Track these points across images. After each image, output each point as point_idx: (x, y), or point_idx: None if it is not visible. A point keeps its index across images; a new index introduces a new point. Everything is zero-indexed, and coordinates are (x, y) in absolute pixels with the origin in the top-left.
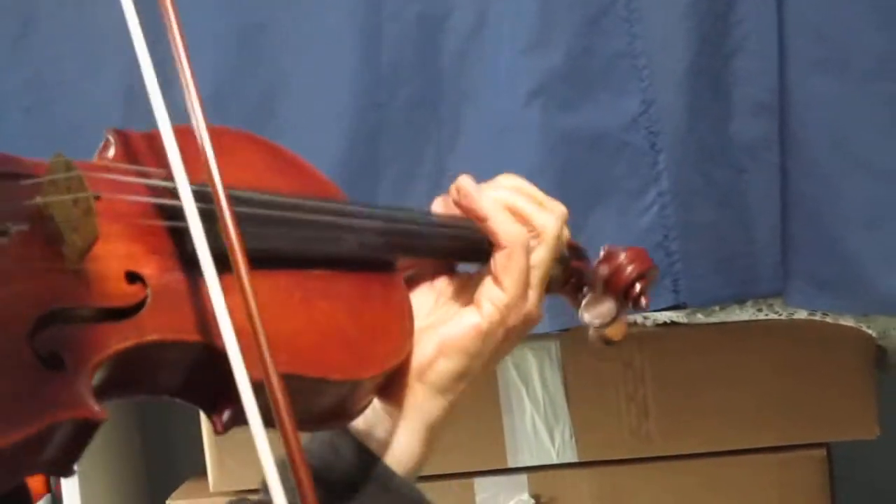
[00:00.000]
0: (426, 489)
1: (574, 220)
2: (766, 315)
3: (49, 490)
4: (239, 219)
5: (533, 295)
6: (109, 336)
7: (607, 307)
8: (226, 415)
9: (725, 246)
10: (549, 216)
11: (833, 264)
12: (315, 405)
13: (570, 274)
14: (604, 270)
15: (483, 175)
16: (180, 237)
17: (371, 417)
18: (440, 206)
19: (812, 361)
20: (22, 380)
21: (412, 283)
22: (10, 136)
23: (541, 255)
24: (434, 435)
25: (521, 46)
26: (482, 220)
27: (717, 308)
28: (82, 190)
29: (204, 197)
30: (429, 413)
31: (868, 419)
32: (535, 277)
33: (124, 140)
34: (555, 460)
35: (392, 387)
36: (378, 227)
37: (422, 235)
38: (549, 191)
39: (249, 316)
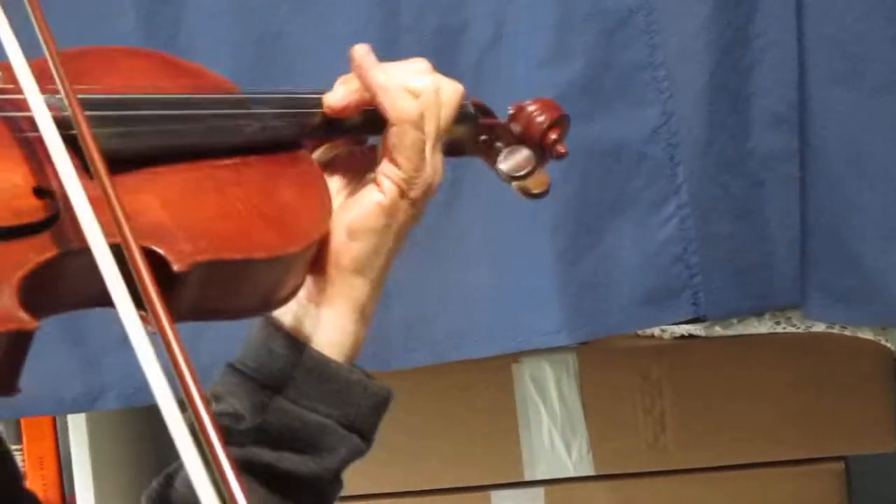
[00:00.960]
0: (442, 501)
1: (592, 232)
2: (785, 328)
3: (64, 501)
4: (111, 120)
5: (430, 165)
6: (28, 251)
7: (524, 154)
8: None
9: (744, 258)
10: (427, 80)
11: (851, 276)
12: (247, 290)
13: (479, 131)
14: (516, 127)
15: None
16: (77, 147)
17: (298, 312)
18: (341, 82)
19: (830, 374)
20: None
21: (327, 164)
22: None
23: (429, 128)
24: (365, 314)
25: (539, 59)
26: (373, 93)
27: (735, 321)
28: None
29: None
30: (354, 295)
31: (886, 432)
32: (429, 148)
33: (8, 69)
34: (572, 473)
35: (314, 278)
36: (276, 112)
37: (319, 114)
38: (567, 203)
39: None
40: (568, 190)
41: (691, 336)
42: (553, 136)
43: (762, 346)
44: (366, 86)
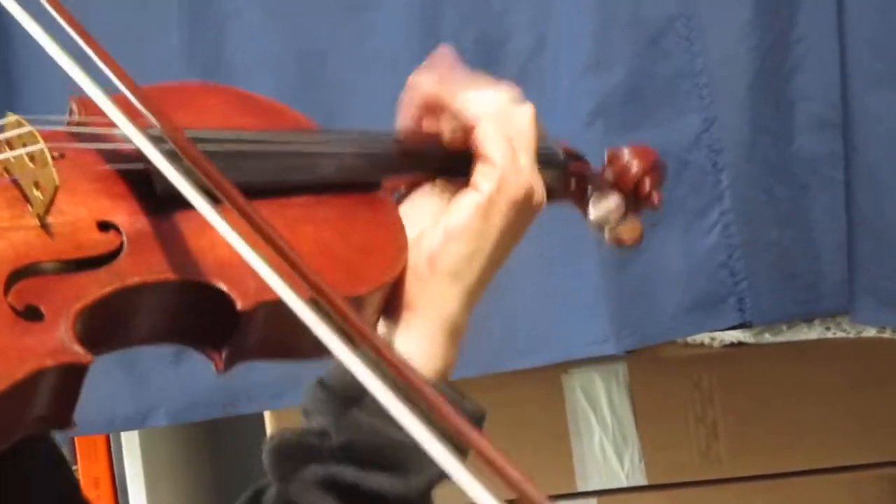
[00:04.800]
0: None
1: None
2: (835, 333)
3: None
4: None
5: (524, 162)
6: (88, 284)
7: (614, 201)
8: (224, 352)
9: (790, 263)
10: (492, 92)
11: None
12: None
13: (569, 176)
14: (610, 174)
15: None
16: (147, 181)
17: (387, 333)
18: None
19: (882, 379)
20: (1, 334)
21: (410, 196)
22: None
23: (516, 125)
24: (456, 331)
25: (581, 68)
26: (447, 104)
27: (784, 327)
28: (36, 143)
29: (161, 140)
30: (445, 304)
31: None
32: (519, 143)
33: (87, 105)
34: (624, 483)
35: (403, 290)
36: (354, 151)
37: (397, 153)
38: None
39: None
40: None
41: (741, 343)
42: (647, 183)
43: (813, 352)
44: (438, 104)
